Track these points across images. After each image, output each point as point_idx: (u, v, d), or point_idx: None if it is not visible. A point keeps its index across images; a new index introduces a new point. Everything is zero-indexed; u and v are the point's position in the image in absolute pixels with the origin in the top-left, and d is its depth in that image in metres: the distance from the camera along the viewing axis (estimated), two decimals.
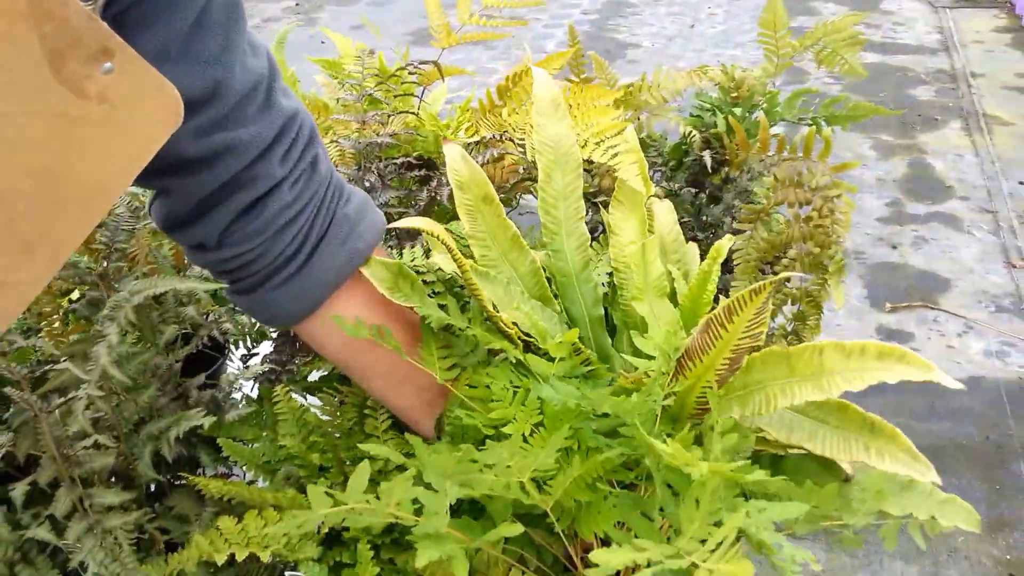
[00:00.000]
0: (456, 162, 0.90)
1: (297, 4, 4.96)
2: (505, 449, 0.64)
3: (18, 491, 0.79)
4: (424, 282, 0.88)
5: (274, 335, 1.02)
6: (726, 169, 1.04)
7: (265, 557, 0.74)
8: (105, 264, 0.84)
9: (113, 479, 0.84)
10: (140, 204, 0.93)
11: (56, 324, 0.96)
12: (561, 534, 0.66)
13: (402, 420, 0.85)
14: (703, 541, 0.54)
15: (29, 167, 0.51)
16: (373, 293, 0.76)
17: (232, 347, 1.13)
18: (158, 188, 0.69)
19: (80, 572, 0.82)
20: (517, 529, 0.61)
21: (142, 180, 0.67)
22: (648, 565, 0.52)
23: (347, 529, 0.80)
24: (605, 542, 0.69)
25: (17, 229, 0.53)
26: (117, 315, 0.74)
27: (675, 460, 0.61)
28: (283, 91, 0.69)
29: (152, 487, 0.89)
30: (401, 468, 0.68)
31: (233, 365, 1.18)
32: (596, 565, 0.52)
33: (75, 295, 1.02)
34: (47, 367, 0.81)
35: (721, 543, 0.51)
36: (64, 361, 0.77)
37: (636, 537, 0.60)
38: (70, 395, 0.72)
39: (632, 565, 0.54)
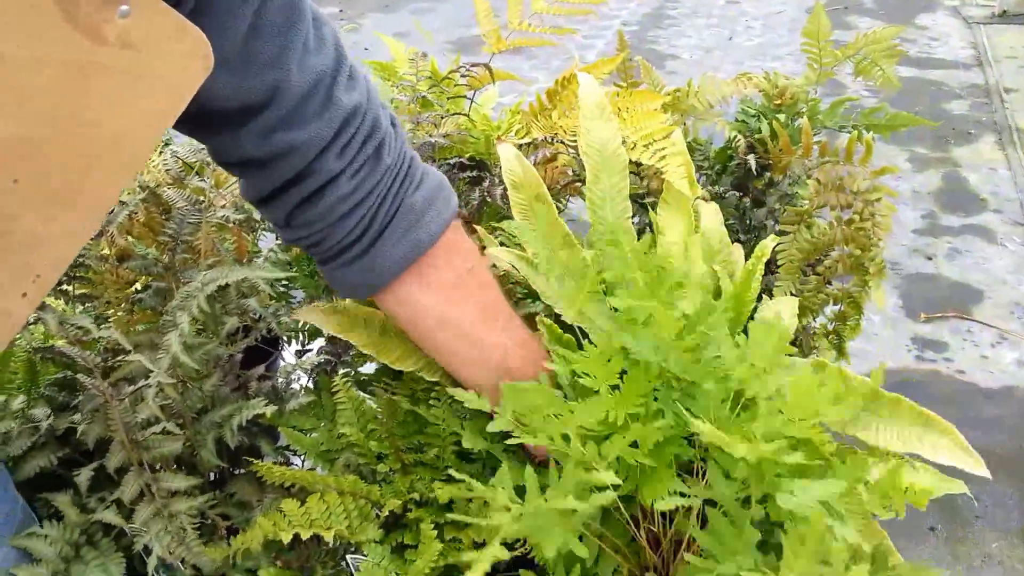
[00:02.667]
0: (511, 162, 0.93)
1: (341, 11, 5.05)
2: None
3: (83, 476, 0.83)
4: None
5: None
6: (769, 173, 1.07)
7: (329, 536, 0.77)
8: (171, 256, 0.88)
9: (176, 466, 0.87)
10: (204, 198, 0.97)
11: (121, 313, 1.00)
12: (621, 508, 0.69)
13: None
14: None
15: (48, 115, 0.50)
16: (443, 280, 0.79)
17: (285, 342, 1.17)
18: (235, 173, 0.74)
19: (143, 556, 0.86)
20: (610, 498, 0.64)
21: (222, 163, 0.72)
22: None
23: (409, 510, 0.84)
24: (663, 515, 0.72)
25: (49, 179, 0.53)
26: (189, 304, 0.78)
27: (712, 439, 0.64)
28: (346, 85, 0.71)
29: (213, 474, 0.92)
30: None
31: (286, 360, 1.21)
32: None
33: (138, 285, 1.06)
34: (117, 356, 0.84)
35: None
36: (133, 351, 0.81)
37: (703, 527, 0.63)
38: (140, 383, 0.75)
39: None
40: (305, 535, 0.76)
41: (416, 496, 0.84)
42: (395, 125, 0.77)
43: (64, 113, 0.51)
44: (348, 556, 0.85)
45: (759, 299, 0.91)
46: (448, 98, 1.14)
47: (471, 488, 0.66)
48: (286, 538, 0.76)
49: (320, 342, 1.11)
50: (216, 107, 0.64)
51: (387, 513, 0.81)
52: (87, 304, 0.87)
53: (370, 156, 0.73)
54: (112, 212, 0.85)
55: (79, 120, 0.52)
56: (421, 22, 4.72)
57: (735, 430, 0.69)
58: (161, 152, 0.91)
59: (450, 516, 0.69)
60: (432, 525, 0.75)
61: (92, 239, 0.84)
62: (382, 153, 0.74)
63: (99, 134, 0.54)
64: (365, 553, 0.79)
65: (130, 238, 0.86)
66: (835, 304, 0.98)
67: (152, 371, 0.73)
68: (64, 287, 0.85)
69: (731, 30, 4.56)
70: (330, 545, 0.86)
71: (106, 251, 0.86)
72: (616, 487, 0.71)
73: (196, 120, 0.64)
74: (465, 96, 1.19)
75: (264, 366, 0.97)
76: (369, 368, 1.02)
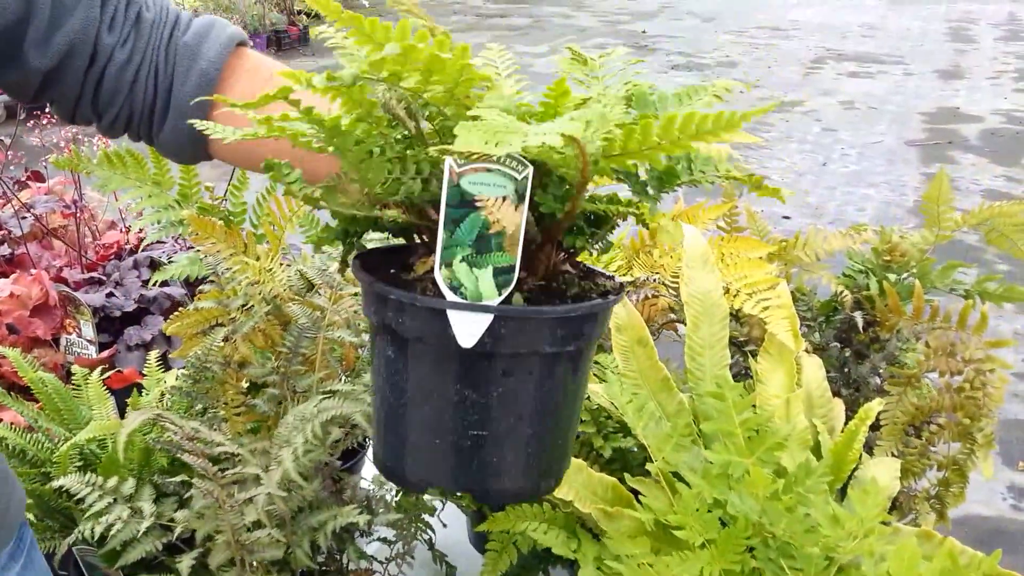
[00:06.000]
0: (616, 305, 0.95)
1: None
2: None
3: (185, 563, 0.85)
4: None
5: None
6: (875, 329, 1.06)
7: None
8: (287, 366, 0.92)
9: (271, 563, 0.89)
10: (321, 314, 1.01)
11: (236, 416, 1.04)
12: None
13: None
14: None
15: None
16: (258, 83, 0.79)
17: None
18: (45, 99, 0.79)
19: None
20: None
21: (25, 100, 0.78)
22: None
23: None
24: None
25: None
26: (305, 427, 0.82)
27: None
28: None
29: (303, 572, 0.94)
30: None
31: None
32: None
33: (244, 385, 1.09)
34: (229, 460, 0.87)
35: None
36: (237, 456, 0.84)
37: None
38: (251, 491, 0.78)
39: None
40: None
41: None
42: None
43: None
44: None
45: (859, 459, 0.89)
46: None
47: None
48: None
49: None
50: None
51: None
52: (206, 405, 0.91)
53: (133, 20, 0.77)
54: (239, 323, 0.90)
55: None
56: None
57: None
58: (285, 269, 0.96)
59: None
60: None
61: (218, 345, 0.89)
62: (142, 12, 0.78)
63: None
64: None
65: (253, 345, 0.91)
66: (939, 470, 0.95)
67: (263, 481, 0.76)
68: (188, 387, 0.89)
69: (826, 156, 4.57)
70: None
71: (229, 356, 0.90)
72: None
73: None
74: None
75: (351, 464, 0.99)
76: None
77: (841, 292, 1.05)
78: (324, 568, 0.92)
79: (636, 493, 0.87)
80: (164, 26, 0.80)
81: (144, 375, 1.15)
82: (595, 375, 0.97)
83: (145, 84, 0.79)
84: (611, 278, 0.71)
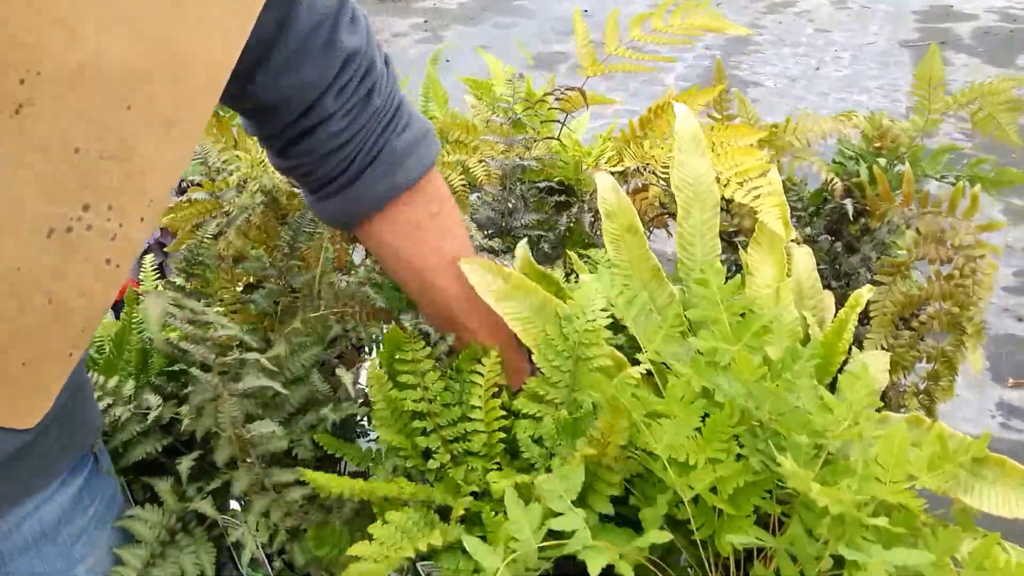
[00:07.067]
0: (606, 191, 0.93)
1: (426, 21, 5.13)
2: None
3: (185, 464, 0.86)
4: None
5: None
6: (865, 219, 1.05)
7: (411, 552, 0.76)
8: (285, 261, 0.90)
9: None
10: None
11: (231, 312, 1.03)
12: (698, 542, 0.69)
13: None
14: None
15: (151, 39, 0.56)
16: (412, 226, 0.84)
17: (367, 352, 1.19)
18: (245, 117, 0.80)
19: (233, 549, 0.89)
20: (666, 536, 0.64)
21: (241, 112, 0.78)
22: None
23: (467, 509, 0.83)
24: (738, 561, 0.71)
25: (155, 105, 0.58)
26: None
27: (797, 483, 0.63)
28: (349, 27, 0.74)
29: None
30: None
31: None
32: None
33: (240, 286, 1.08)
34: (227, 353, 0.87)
35: None
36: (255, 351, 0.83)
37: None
38: (252, 383, 0.78)
39: None
40: (387, 571, 0.76)
41: (474, 489, 0.84)
42: (388, 64, 0.81)
43: (161, 35, 0.57)
44: (418, 565, 0.86)
45: (848, 351, 0.89)
46: (541, 121, 1.15)
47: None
48: (384, 571, 0.75)
49: None
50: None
51: (459, 515, 0.81)
52: (201, 301, 0.90)
53: (362, 97, 0.77)
54: (232, 215, 0.88)
55: (176, 43, 0.58)
56: (503, 36, 4.76)
57: (821, 483, 0.67)
58: None
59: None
60: (494, 513, 0.75)
61: (210, 239, 0.88)
62: (373, 95, 0.78)
63: (186, 57, 0.59)
64: (435, 562, 0.79)
65: (249, 241, 0.89)
66: (928, 362, 0.95)
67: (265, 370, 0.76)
68: (181, 283, 0.88)
69: (819, 60, 4.48)
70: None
71: (223, 251, 0.89)
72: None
73: None
74: (557, 120, 1.20)
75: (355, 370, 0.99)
76: None
77: (831, 180, 1.04)
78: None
79: None
80: (385, 115, 0.80)
81: (140, 282, 1.14)
82: (587, 268, 0.96)
83: (343, 159, 0.79)
84: None
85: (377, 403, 0.86)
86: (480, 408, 0.86)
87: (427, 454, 0.87)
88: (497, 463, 0.86)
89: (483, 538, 0.72)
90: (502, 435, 0.86)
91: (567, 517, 0.66)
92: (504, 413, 0.86)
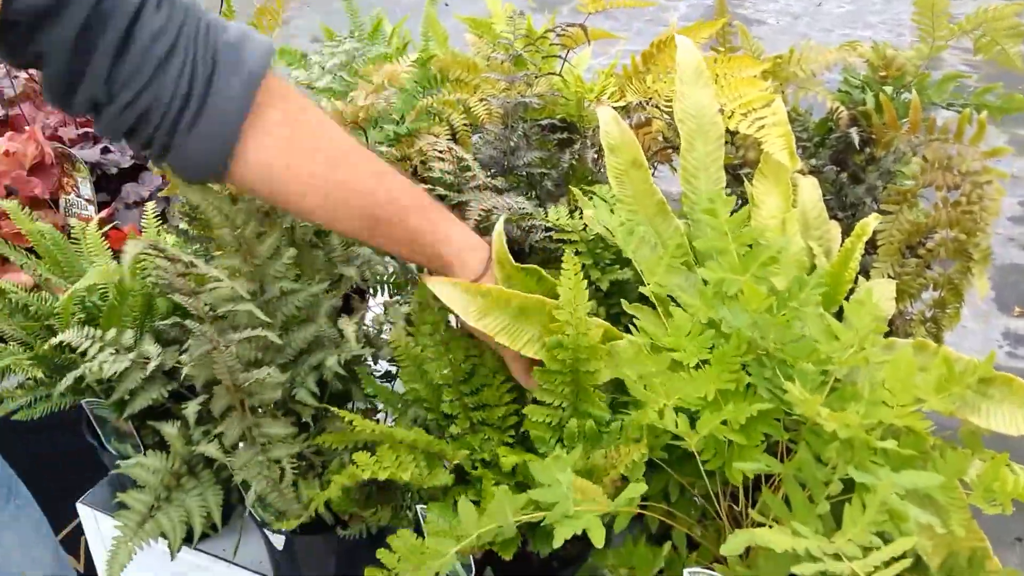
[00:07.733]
0: (609, 125, 0.92)
1: None
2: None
3: (191, 409, 0.87)
4: (567, 241, 0.91)
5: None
6: (871, 149, 1.04)
7: (406, 477, 0.78)
8: None
9: (275, 407, 0.90)
10: None
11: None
12: (705, 475, 0.69)
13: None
14: (865, 549, 0.56)
15: None
16: (288, 128, 0.72)
17: (371, 294, 1.18)
18: (33, 58, 0.66)
19: (241, 489, 0.90)
20: (641, 488, 0.65)
21: (13, 56, 0.66)
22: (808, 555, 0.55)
23: (475, 467, 0.85)
24: (746, 488, 0.72)
25: None
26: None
27: (806, 409, 0.63)
28: None
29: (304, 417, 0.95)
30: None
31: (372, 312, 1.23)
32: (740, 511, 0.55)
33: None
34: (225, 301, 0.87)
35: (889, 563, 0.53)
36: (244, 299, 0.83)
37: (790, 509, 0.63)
38: (246, 332, 0.78)
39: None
40: (382, 476, 0.77)
41: (485, 456, 0.86)
42: None
43: None
44: (417, 507, 0.88)
45: (855, 280, 0.89)
46: (543, 58, 1.13)
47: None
48: (365, 475, 0.77)
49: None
50: None
51: (454, 464, 0.83)
52: (207, 248, 0.90)
53: None
54: None
55: None
56: None
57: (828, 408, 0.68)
58: None
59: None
60: (494, 483, 0.77)
61: None
62: None
63: None
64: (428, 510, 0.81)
65: None
66: (935, 290, 0.95)
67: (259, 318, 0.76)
68: (184, 227, 0.88)
69: None
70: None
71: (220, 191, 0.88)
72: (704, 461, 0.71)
73: None
74: (559, 56, 1.18)
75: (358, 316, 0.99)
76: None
77: (837, 108, 1.02)
78: (328, 413, 0.93)
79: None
80: (202, 18, 0.69)
81: (143, 230, 1.14)
82: (591, 202, 0.96)
83: (180, 68, 0.66)
84: None
85: (403, 361, 0.89)
86: (491, 387, 0.89)
87: (449, 416, 0.90)
88: (512, 437, 0.88)
89: (476, 502, 0.74)
90: (516, 406, 0.89)
91: (552, 489, 0.66)
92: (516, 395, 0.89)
